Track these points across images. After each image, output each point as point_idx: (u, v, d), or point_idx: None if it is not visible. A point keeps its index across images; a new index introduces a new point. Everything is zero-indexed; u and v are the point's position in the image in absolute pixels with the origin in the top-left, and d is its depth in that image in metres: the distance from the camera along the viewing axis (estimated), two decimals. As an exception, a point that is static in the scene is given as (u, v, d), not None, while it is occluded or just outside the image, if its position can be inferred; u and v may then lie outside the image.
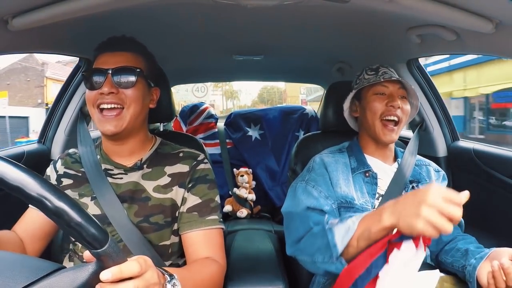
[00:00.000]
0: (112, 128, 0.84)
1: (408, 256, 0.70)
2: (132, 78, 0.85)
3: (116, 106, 0.84)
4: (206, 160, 0.96)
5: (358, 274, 0.73)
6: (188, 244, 0.88)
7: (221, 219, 0.92)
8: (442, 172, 1.10)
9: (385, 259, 0.72)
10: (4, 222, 0.95)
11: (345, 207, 0.96)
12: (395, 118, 0.99)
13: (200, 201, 0.89)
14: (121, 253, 0.47)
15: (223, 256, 0.88)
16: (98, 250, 0.44)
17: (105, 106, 0.84)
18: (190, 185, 0.90)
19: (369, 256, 0.73)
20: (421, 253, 0.71)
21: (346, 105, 1.11)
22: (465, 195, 0.67)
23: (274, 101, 39.76)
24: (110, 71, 0.84)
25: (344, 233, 0.78)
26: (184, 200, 0.90)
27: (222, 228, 0.91)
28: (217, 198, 0.93)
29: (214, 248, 0.87)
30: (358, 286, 0.72)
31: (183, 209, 0.89)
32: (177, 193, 0.90)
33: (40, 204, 0.41)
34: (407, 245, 0.70)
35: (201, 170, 0.93)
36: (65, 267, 0.47)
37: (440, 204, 0.65)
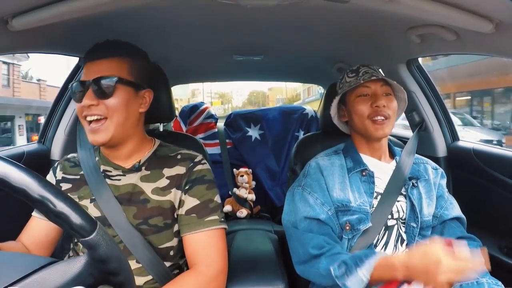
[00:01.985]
0: (98, 139, 0.84)
1: None
2: (110, 88, 0.82)
3: (99, 117, 0.83)
4: (203, 161, 0.95)
5: None
6: (186, 247, 0.88)
7: (223, 219, 0.90)
8: (441, 170, 1.10)
9: None
10: (4, 222, 0.95)
11: (342, 210, 0.97)
12: (382, 118, 0.98)
13: (198, 202, 0.89)
14: (112, 241, 0.46)
15: (219, 259, 0.86)
16: (87, 238, 0.43)
17: (89, 118, 0.84)
18: (187, 187, 0.90)
19: None
20: None
21: (333, 111, 1.11)
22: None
23: (260, 103, 47.60)
24: (90, 83, 0.83)
25: (358, 286, 0.82)
26: (182, 203, 0.89)
27: (225, 228, 0.90)
28: (217, 198, 0.92)
29: (210, 251, 0.86)
30: None
31: (182, 211, 0.89)
32: (175, 195, 0.89)
33: (24, 194, 0.41)
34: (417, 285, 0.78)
35: (198, 171, 0.92)
36: (57, 261, 0.46)
37: (455, 268, 0.72)
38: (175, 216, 0.90)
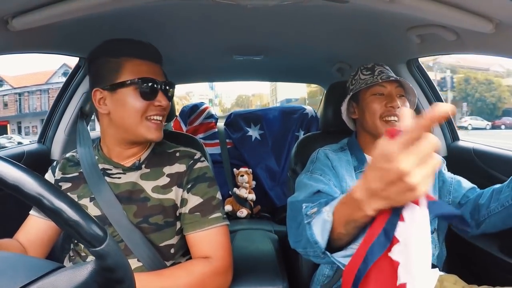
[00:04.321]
0: (160, 135, 0.89)
1: (418, 219, 0.52)
2: (173, 93, 0.94)
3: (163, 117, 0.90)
4: (202, 158, 0.96)
5: (357, 268, 0.69)
6: (191, 244, 0.88)
7: (225, 215, 0.91)
8: (438, 157, 1.09)
9: (382, 245, 0.56)
10: (4, 222, 0.95)
11: None
12: (396, 118, 0.99)
13: (201, 200, 0.89)
14: (120, 251, 0.46)
15: (226, 254, 0.87)
16: (97, 249, 0.43)
17: (158, 118, 0.88)
18: (189, 186, 0.90)
19: (364, 245, 0.59)
20: (426, 211, 0.51)
21: (344, 107, 1.11)
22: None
23: (245, 105, 54.25)
24: (162, 85, 0.88)
25: (322, 227, 0.65)
26: (184, 201, 0.89)
27: (227, 224, 0.90)
28: (218, 195, 0.92)
29: (216, 247, 0.87)
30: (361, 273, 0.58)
31: (185, 210, 0.89)
32: (176, 193, 0.89)
33: (38, 202, 0.42)
34: (410, 210, 0.53)
35: (199, 169, 0.92)
36: (64, 266, 0.47)
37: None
38: (177, 214, 0.90)
